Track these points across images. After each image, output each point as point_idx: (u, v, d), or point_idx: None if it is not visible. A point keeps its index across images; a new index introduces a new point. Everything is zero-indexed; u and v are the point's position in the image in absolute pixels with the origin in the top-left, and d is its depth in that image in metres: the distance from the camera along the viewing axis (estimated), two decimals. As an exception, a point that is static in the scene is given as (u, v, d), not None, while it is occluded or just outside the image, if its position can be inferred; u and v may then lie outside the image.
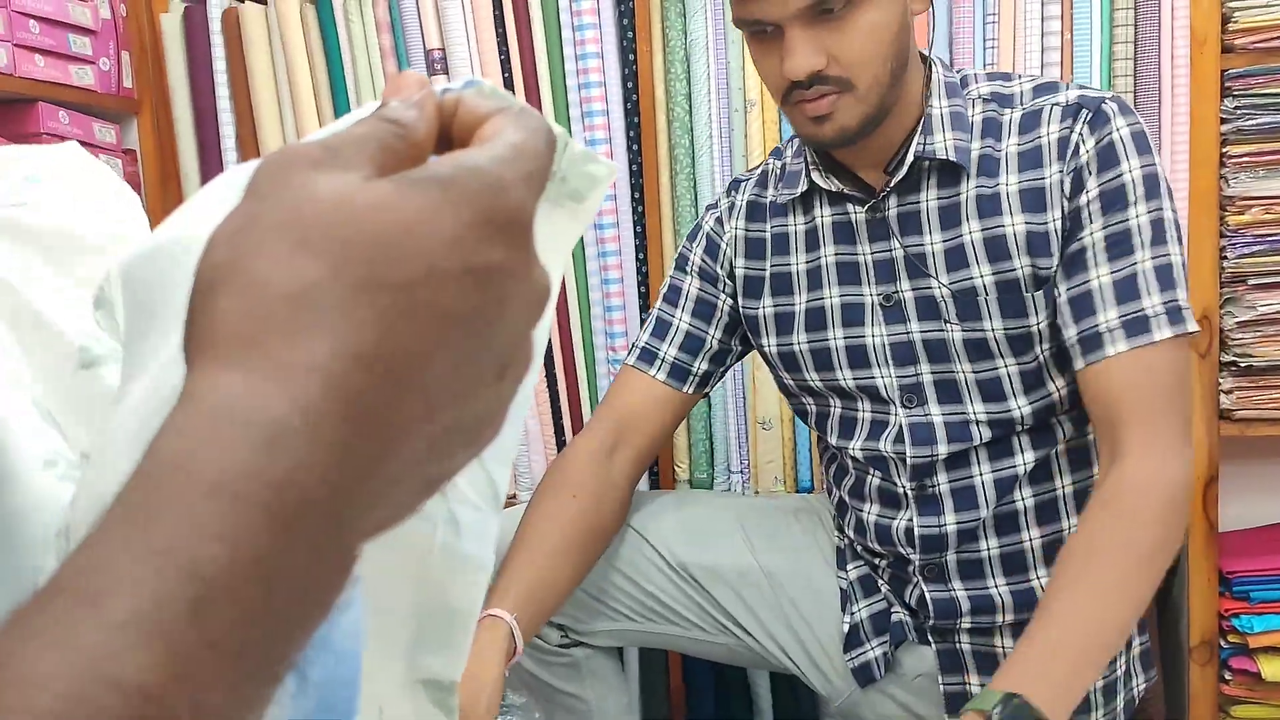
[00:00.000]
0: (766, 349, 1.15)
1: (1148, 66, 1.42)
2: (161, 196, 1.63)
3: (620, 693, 1.26)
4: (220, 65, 1.62)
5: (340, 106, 1.60)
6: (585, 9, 1.53)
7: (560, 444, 1.65)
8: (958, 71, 1.07)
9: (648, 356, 1.17)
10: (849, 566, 1.16)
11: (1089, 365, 0.96)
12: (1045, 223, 0.99)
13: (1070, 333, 0.98)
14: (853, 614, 1.14)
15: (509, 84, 1.57)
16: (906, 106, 1.01)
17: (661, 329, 1.18)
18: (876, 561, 1.14)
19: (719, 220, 1.18)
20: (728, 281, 1.16)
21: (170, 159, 1.64)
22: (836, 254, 1.08)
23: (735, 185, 1.19)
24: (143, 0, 1.60)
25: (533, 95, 1.57)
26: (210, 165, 1.63)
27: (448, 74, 1.56)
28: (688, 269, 1.19)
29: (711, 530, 1.22)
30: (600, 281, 1.60)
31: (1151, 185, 0.97)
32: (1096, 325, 0.96)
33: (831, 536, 1.21)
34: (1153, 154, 0.98)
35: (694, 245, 1.19)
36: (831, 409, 1.13)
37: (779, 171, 1.14)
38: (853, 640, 1.14)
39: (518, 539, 1.09)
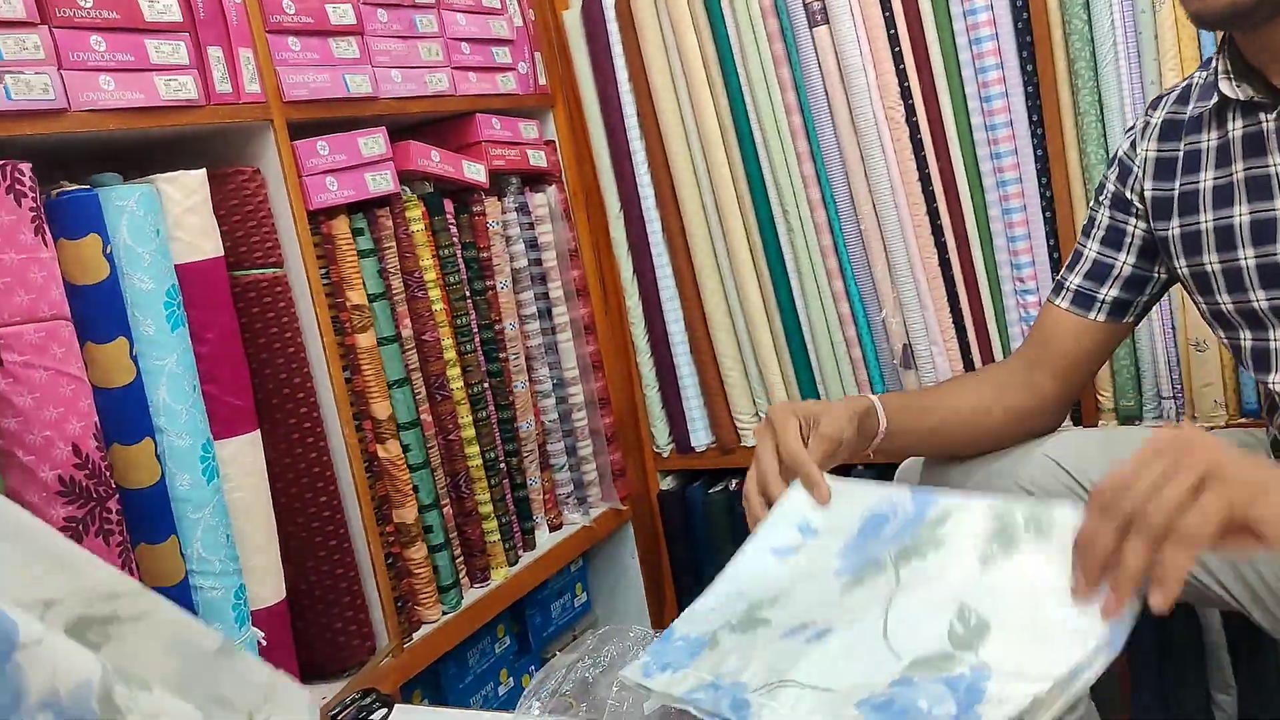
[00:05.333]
0: (1180, 270, 1.09)
1: None
2: (579, 179, 1.80)
3: None
4: (618, 50, 1.74)
5: (729, 73, 1.67)
6: (964, -67, 1.48)
7: (971, 379, 1.63)
8: None
9: (1058, 288, 1.19)
10: None
11: None
12: None
13: None
14: None
15: (890, 22, 1.55)
16: None
17: (1075, 260, 1.19)
18: None
19: (1132, 144, 1.13)
20: (1139, 205, 1.12)
21: (584, 144, 1.80)
22: (1246, 168, 1.00)
23: (1156, 102, 1.13)
24: (547, 2, 1.76)
25: (915, 26, 1.55)
26: (619, 146, 1.77)
27: (828, 24, 1.57)
28: (1102, 197, 1.17)
29: None
30: (1001, 213, 1.56)
31: None
32: None
33: None
34: None
35: (1109, 172, 1.17)
36: (1243, 340, 1.05)
37: (1201, 83, 1.06)
38: None
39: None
